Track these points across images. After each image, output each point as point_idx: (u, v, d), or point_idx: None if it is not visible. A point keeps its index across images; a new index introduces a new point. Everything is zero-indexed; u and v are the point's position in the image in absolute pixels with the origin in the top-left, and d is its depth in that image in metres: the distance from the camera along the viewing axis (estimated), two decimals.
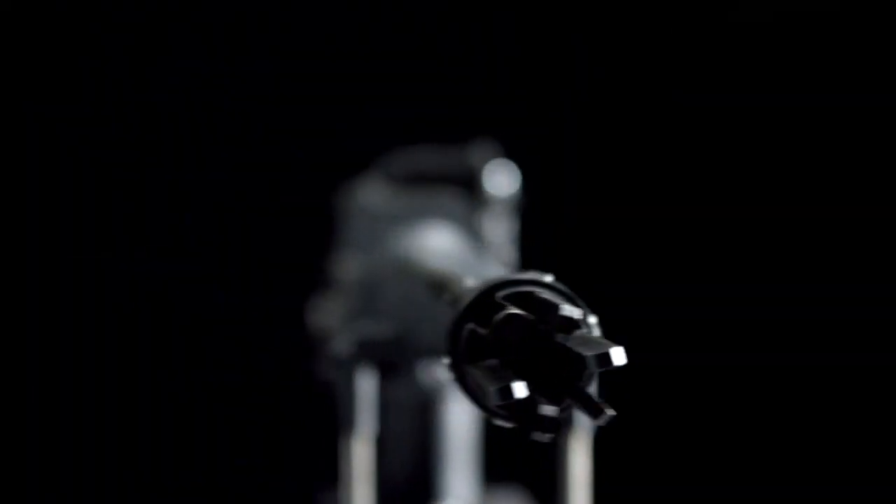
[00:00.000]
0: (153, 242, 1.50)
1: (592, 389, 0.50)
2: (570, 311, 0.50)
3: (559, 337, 0.50)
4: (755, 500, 1.51)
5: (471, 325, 0.52)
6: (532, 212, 1.61)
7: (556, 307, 0.50)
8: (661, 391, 1.49)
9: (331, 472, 1.05)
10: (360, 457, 0.66)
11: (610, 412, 0.50)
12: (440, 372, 0.52)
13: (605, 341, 0.49)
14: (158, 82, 1.49)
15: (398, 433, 0.97)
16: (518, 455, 1.15)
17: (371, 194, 0.95)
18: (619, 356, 0.49)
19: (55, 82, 1.47)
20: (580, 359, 0.48)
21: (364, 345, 0.71)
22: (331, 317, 0.96)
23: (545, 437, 0.49)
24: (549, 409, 0.49)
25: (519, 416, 0.49)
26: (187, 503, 1.50)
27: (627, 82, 1.58)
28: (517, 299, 0.52)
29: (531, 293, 0.52)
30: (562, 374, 0.50)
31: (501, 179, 1.00)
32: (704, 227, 1.52)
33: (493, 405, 0.49)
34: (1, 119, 1.46)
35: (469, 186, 0.95)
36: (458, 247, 0.85)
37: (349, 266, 0.93)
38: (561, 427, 0.50)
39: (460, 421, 0.96)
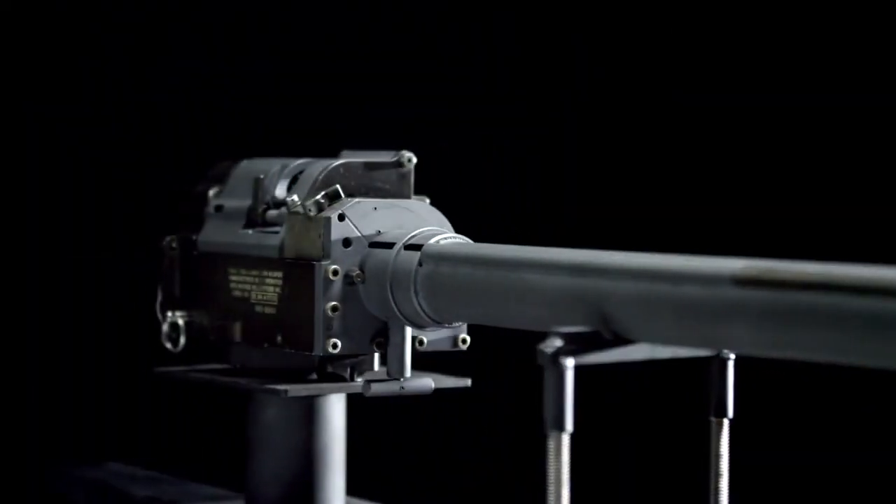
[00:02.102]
0: (153, 242, 1.50)
1: None
2: None
3: None
4: None
5: None
6: (532, 212, 1.62)
7: None
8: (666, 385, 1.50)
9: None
10: (565, 454, 0.66)
11: None
12: None
13: None
14: (158, 82, 1.49)
15: (276, 443, 0.97)
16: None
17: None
18: None
19: (55, 82, 1.47)
20: None
21: (574, 342, 0.70)
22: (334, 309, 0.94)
23: None
24: None
25: None
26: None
27: (627, 82, 1.58)
28: None
29: None
30: None
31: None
32: (704, 227, 1.53)
33: None
34: (1, 119, 1.46)
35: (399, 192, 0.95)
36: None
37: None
38: None
39: (339, 429, 0.96)
